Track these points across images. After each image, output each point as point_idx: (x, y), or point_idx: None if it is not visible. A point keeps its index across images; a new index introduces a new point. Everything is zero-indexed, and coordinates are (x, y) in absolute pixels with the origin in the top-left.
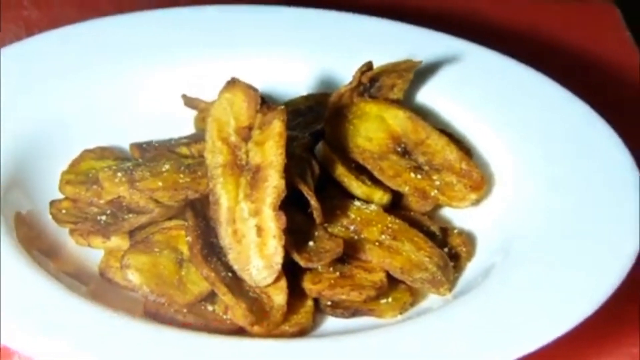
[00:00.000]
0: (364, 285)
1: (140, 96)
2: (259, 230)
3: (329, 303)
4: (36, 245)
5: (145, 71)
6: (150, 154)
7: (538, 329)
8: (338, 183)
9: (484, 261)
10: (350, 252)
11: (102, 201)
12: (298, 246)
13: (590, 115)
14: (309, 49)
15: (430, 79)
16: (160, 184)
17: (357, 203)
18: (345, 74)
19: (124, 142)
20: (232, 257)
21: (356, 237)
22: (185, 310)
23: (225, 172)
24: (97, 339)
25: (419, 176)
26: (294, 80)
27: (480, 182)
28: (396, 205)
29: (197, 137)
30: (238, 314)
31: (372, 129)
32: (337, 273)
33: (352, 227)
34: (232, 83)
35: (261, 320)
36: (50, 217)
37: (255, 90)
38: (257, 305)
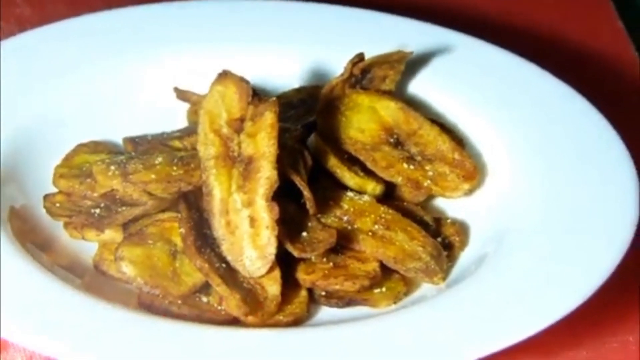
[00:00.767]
0: (357, 275)
1: (133, 90)
2: (252, 221)
3: (323, 293)
4: (30, 238)
5: (137, 66)
6: (143, 147)
7: (531, 317)
8: (331, 174)
9: (477, 250)
10: (343, 243)
11: (95, 194)
12: (291, 237)
13: (584, 106)
14: (300, 41)
15: (422, 70)
16: (153, 176)
17: (350, 194)
18: (337, 66)
19: (118, 137)
20: (225, 248)
21: (349, 227)
22: (179, 302)
23: (218, 164)
24: (92, 332)
25: (411, 167)
26: (286, 73)
27: (472, 172)
28: (389, 196)
29: (190, 130)
30: (232, 304)
31: (364, 120)
32: (331, 263)
33: (345, 218)
34: (224, 75)
35: (255, 311)
36: (44, 210)
37: (246, 82)
38: (251, 296)
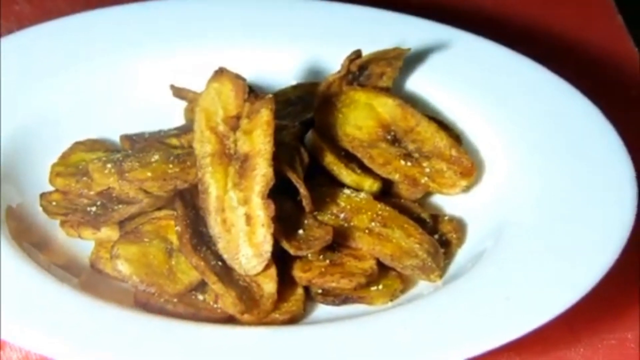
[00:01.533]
0: (354, 273)
1: (130, 88)
2: (248, 218)
3: (320, 291)
4: (27, 237)
5: (134, 63)
6: (140, 145)
7: (528, 314)
8: (328, 171)
9: (474, 247)
10: (340, 240)
11: (92, 192)
12: (287, 234)
13: (581, 101)
14: (297, 38)
15: (420, 67)
16: (149, 174)
17: (346, 191)
18: (334, 62)
19: (115, 135)
20: (221, 246)
21: (346, 224)
22: (175, 300)
23: (214, 161)
24: (88, 331)
25: (409, 163)
26: (284, 70)
27: (470, 168)
28: (386, 193)
29: (187, 128)
30: (228, 302)
31: (362, 117)
32: (327, 261)
33: (341, 215)
34: (220, 73)
35: (251, 309)
36: (40, 209)
37: (243, 79)
38: (247, 294)
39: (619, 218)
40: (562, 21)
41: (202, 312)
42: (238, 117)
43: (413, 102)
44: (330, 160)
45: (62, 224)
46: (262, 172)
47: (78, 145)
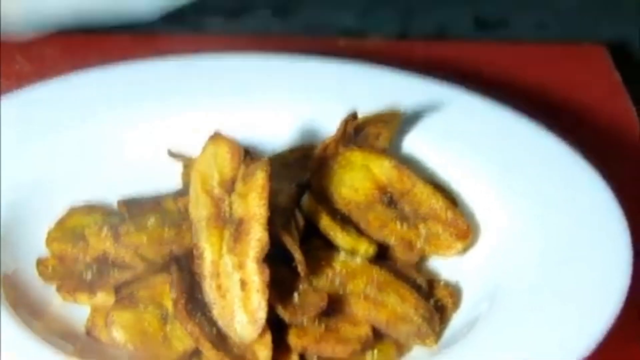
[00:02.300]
0: (349, 339)
1: (128, 149)
2: (243, 284)
3: (315, 358)
4: (23, 304)
5: (132, 123)
6: (137, 209)
7: None
8: (323, 236)
9: (470, 312)
10: (335, 306)
11: (88, 257)
12: (282, 300)
13: (579, 163)
14: (292, 99)
15: (417, 127)
16: (144, 238)
17: (342, 255)
18: (331, 122)
19: (113, 197)
20: (216, 313)
21: (341, 290)
22: None
23: (209, 225)
24: None
25: (405, 226)
26: (279, 132)
27: (466, 230)
28: (382, 257)
29: (184, 191)
30: None
31: (358, 178)
32: (323, 326)
33: (337, 280)
34: (216, 136)
35: None
36: (36, 274)
37: (238, 143)
38: None
39: (617, 279)
40: (558, 78)
41: None
42: (234, 181)
43: (409, 163)
44: (326, 224)
45: (59, 288)
46: (257, 237)
47: (75, 210)
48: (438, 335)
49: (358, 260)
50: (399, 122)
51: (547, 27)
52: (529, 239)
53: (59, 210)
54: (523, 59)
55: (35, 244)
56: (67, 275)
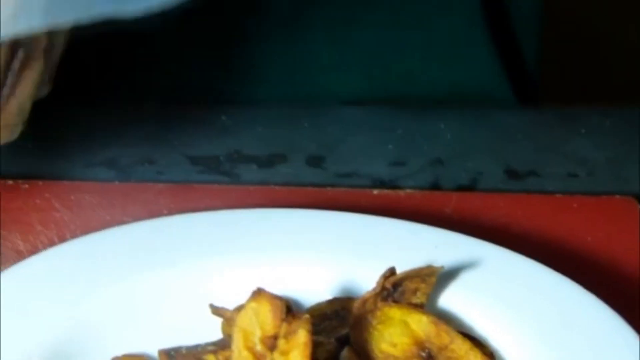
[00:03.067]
0: None
1: (167, 302)
2: None
3: None
4: None
5: (171, 277)
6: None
7: None
8: None
9: None
10: None
11: None
12: None
13: (612, 316)
14: (331, 253)
15: (453, 282)
16: None
17: None
18: (367, 276)
19: (153, 349)
20: None
21: None
22: None
23: None
24: None
25: None
26: (318, 285)
27: None
28: None
29: (224, 343)
30: None
31: (396, 334)
32: None
33: None
34: (258, 293)
35: None
36: None
37: (280, 299)
38: None
39: None
40: (588, 229)
41: None
42: (275, 337)
43: (447, 319)
44: None
45: None
46: None
47: None
48: None
49: None
50: (436, 278)
51: (578, 178)
52: None
53: None
54: (554, 209)
55: None
56: None
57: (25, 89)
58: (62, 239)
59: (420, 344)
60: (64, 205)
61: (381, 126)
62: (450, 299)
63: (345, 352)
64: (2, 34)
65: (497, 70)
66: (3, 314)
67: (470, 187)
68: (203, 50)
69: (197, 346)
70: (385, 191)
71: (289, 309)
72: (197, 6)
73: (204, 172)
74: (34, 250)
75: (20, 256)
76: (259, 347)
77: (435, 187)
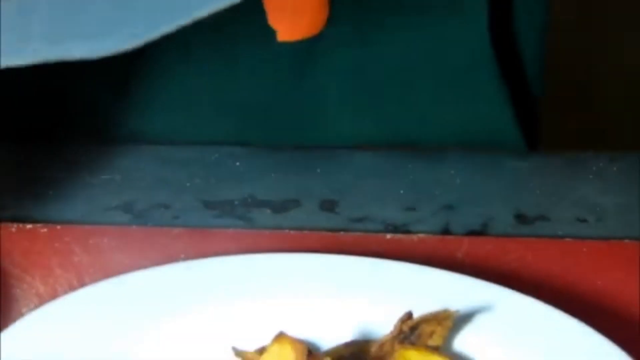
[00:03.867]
0: None
1: (188, 347)
2: None
3: None
4: None
5: (192, 321)
6: None
7: None
8: None
9: None
10: None
11: None
12: None
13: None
14: (348, 297)
15: (468, 326)
16: None
17: None
18: (385, 320)
19: None
20: None
21: None
22: None
23: None
24: None
25: None
26: (336, 328)
27: None
28: None
29: None
30: None
31: None
32: None
33: None
34: (280, 337)
35: None
36: None
37: (302, 343)
38: None
39: None
40: (598, 273)
41: None
42: None
43: None
44: None
45: None
46: None
47: None
48: None
49: None
50: (452, 321)
51: (587, 223)
52: None
53: None
54: (563, 254)
55: None
56: None
57: None
58: (82, 283)
59: None
60: (82, 249)
61: (392, 171)
62: (465, 342)
63: None
64: None
65: (508, 114)
66: (25, 357)
67: (481, 232)
68: (213, 95)
69: None
70: (398, 236)
71: (310, 352)
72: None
73: (219, 217)
74: (53, 294)
75: (40, 300)
76: None
77: (446, 232)
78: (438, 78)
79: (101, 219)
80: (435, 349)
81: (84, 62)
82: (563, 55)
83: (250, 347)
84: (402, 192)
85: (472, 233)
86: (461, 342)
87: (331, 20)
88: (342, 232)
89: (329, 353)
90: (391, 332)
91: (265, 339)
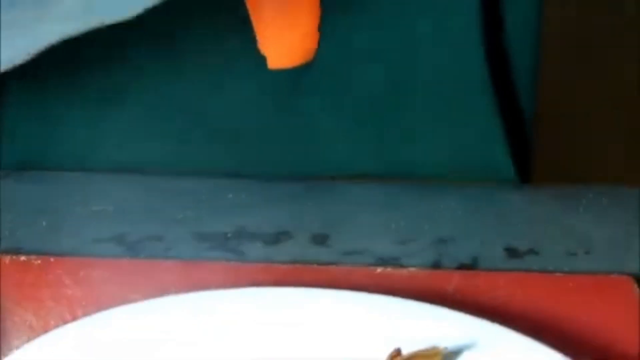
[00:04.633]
0: None
1: None
2: None
3: None
4: None
5: (185, 354)
6: None
7: None
8: None
9: None
10: None
11: None
12: None
13: None
14: (336, 331)
15: None
16: None
17: None
18: (374, 356)
19: None
20: None
21: None
22: None
23: None
24: None
25: None
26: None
27: None
28: None
29: None
30: None
31: None
32: None
33: None
34: None
35: None
36: None
37: None
38: None
39: None
40: (587, 307)
41: None
42: None
43: None
44: None
45: None
46: None
47: None
48: None
49: None
50: (441, 358)
51: (576, 256)
52: None
53: None
54: (552, 289)
55: None
56: None
57: None
58: (74, 315)
59: None
60: (74, 281)
61: (385, 204)
62: None
63: None
64: None
65: (501, 147)
66: None
67: (471, 266)
68: (203, 123)
69: None
70: (388, 269)
71: None
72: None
73: (211, 249)
74: (45, 327)
75: (32, 332)
76: None
77: (437, 265)
78: (431, 105)
79: (93, 251)
80: None
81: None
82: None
83: None
84: (393, 225)
85: (462, 267)
86: None
87: (319, 50)
88: (333, 266)
89: None
90: None
91: None
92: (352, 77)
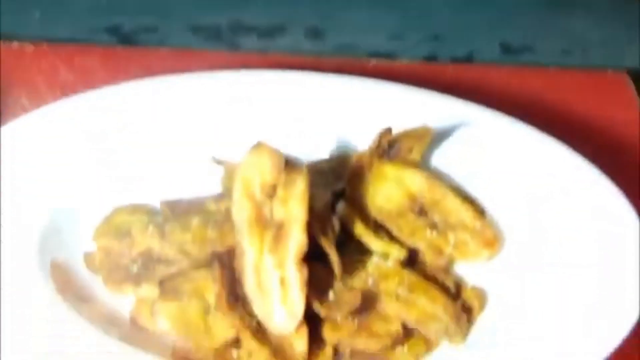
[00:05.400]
0: (380, 334)
1: (169, 156)
2: (282, 281)
3: (348, 351)
4: (70, 290)
5: (175, 135)
6: (179, 210)
7: None
8: (357, 240)
9: (495, 313)
10: (368, 304)
11: (133, 252)
12: (319, 297)
13: (601, 180)
14: (329, 114)
15: (446, 142)
16: (189, 236)
17: (375, 258)
18: (365, 138)
19: (154, 200)
20: (256, 307)
21: (374, 289)
22: (211, 355)
23: (251, 227)
24: None
25: (434, 234)
26: (316, 144)
27: (492, 239)
28: (413, 261)
29: (224, 195)
30: (261, 358)
31: (391, 189)
32: (356, 322)
33: (370, 281)
34: (258, 145)
35: None
36: (84, 265)
37: (279, 153)
38: (279, 351)
39: (630, 289)
40: (580, 103)
41: None
42: (274, 186)
43: (440, 176)
44: (360, 230)
45: (105, 280)
46: (296, 239)
47: (120, 210)
48: (465, 333)
49: (390, 263)
50: (430, 137)
51: (572, 54)
52: (551, 249)
53: (105, 210)
54: (546, 83)
55: (85, 237)
56: (113, 268)
57: None
58: None
59: (413, 199)
60: (69, 68)
61: (380, 0)
62: (443, 158)
63: (341, 205)
64: None
65: None
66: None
67: (466, 60)
68: None
69: (197, 198)
70: (382, 61)
71: (287, 161)
72: None
73: (206, 41)
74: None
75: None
76: (258, 195)
77: (431, 59)
78: None
79: (88, 40)
80: (414, 164)
81: None
82: None
83: (231, 157)
84: (388, 20)
85: (457, 61)
86: (440, 159)
87: None
88: (327, 57)
89: (308, 166)
90: (370, 146)
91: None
92: None
